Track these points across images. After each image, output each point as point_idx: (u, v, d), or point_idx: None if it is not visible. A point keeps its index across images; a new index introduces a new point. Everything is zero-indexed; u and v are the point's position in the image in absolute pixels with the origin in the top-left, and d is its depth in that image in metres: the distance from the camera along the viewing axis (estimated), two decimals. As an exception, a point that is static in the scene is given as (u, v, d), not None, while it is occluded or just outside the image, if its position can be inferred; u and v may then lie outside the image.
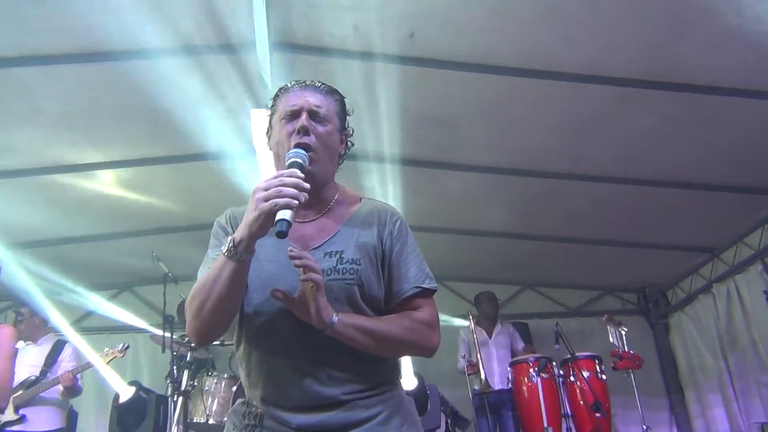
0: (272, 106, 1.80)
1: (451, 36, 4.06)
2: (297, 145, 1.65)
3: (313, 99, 1.72)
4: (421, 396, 5.64)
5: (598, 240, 6.88)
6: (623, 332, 5.72)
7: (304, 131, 1.67)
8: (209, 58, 4.21)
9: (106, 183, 5.39)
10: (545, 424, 4.78)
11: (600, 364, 5.47)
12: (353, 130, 1.88)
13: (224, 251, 1.51)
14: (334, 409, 1.60)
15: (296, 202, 1.46)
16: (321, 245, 1.66)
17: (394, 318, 1.68)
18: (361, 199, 1.85)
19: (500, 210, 6.25)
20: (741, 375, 6.87)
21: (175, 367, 5.10)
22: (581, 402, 5.16)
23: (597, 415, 4.92)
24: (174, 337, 5.39)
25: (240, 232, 1.50)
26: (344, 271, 1.64)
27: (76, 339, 5.62)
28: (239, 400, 1.79)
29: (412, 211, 5.32)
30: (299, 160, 1.60)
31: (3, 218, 5.34)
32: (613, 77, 4.39)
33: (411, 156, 5.23)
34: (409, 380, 5.67)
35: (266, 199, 1.46)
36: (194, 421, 5.04)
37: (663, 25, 3.94)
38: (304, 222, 1.72)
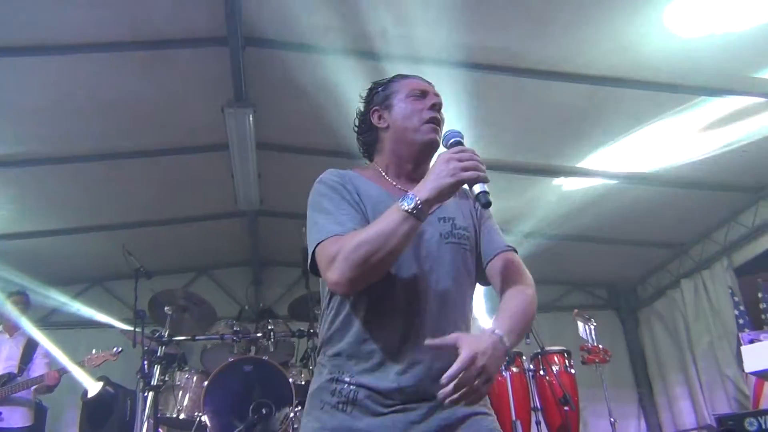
0: (380, 89, 1.90)
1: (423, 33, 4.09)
2: (432, 119, 1.78)
3: (433, 88, 1.89)
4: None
5: (569, 236, 6.97)
6: (592, 327, 5.80)
7: (438, 108, 1.83)
8: (181, 52, 4.18)
9: (77, 177, 5.32)
10: (513, 418, 4.84)
11: (569, 358, 5.53)
12: None
13: (407, 208, 1.50)
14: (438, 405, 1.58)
15: (487, 177, 1.55)
16: (434, 211, 1.69)
17: (521, 305, 1.67)
18: None
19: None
20: (706, 368, 7.03)
21: (146, 362, 5.08)
22: (550, 395, 5.23)
23: (565, 408, 4.98)
24: (145, 332, 5.37)
25: (426, 193, 1.51)
26: (459, 236, 1.76)
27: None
28: (327, 377, 1.67)
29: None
30: (461, 140, 1.67)
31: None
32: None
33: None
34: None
35: (466, 170, 1.52)
36: (165, 416, 5.02)
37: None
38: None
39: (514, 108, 4.79)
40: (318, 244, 1.60)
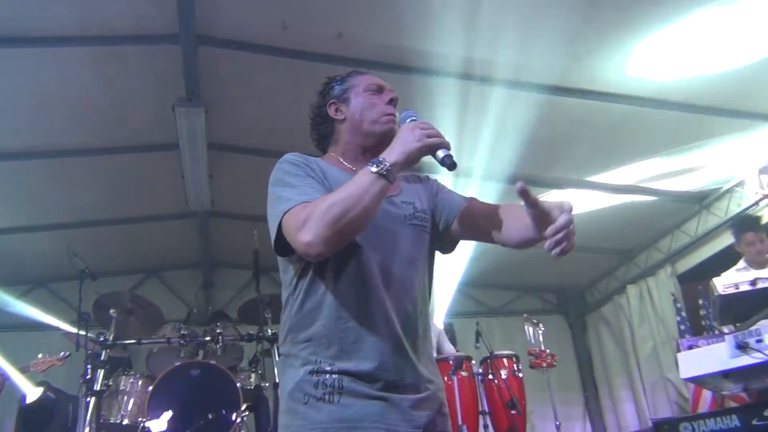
0: (338, 84, 1.94)
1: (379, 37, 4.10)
2: (390, 113, 1.85)
3: (387, 85, 1.95)
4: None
5: (520, 242, 7.06)
6: (540, 331, 5.91)
7: (395, 104, 1.89)
8: (132, 49, 4.09)
9: (20, 174, 5.14)
10: (459, 422, 4.88)
11: (517, 363, 5.61)
12: None
13: (374, 170, 1.54)
14: (423, 392, 1.67)
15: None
16: (397, 194, 1.81)
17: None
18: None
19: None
20: (649, 372, 7.24)
21: (89, 367, 4.93)
22: (498, 399, 5.29)
23: (513, 412, 5.05)
24: (89, 335, 5.22)
25: (394, 157, 1.58)
26: (420, 218, 1.82)
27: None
28: (306, 369, 1.62)
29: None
30: (416, 117, 1.75)
31: None
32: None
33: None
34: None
35: (430, 136, 1.60)
36: (108, 421, 4.89)
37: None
38: None
39: (463, 117, 4.83)
40: (285, 212, 1.59)
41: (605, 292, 8.33)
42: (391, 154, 1.59)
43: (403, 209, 1.79)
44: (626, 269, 7.82)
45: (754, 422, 2.68)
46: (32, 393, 5.24)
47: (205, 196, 5.36)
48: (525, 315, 6.17)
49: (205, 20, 3.98)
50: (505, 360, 5.50)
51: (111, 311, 5.17)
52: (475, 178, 5.59)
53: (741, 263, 4.44)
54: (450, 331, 7.05)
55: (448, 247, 1.95)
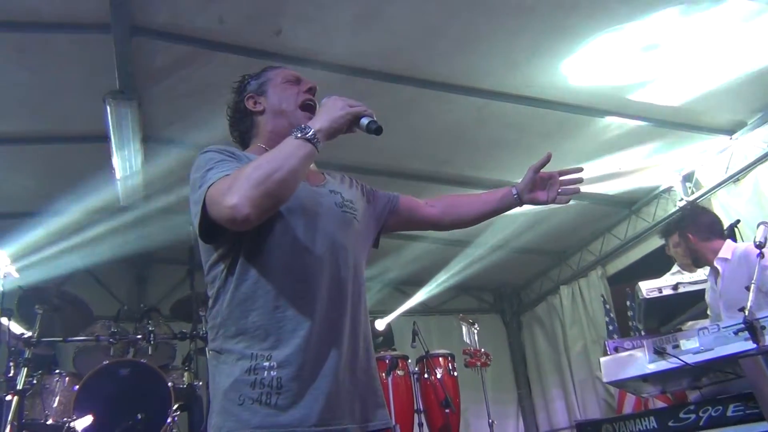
0: (255, 78, 1.98)
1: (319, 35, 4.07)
2: (307, 101, 1.90)
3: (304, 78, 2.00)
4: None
5: (458, 241, 7.17)
6: (475, 330, 6.01)
7: (314, 91, 1.94)
8: (60, 37, 3.93)
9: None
10: (393, 422, 4.93)
11: (452, 362, 5.70)
12: None
13: (298, 135, 1.57)
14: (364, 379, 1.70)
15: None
16: (323, 184, 1.86)
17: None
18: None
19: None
20: (579, 371, 7.47)
21: (11, 364, 4.74)
22: (433, 398, 5.36)
23: (447, 410, 5.13)
24: (12, 331, 5.02)
25: (319, 124, 1.61)
26: (348, 207, 1.84)
27: None
28: (242, 366, 1.55)
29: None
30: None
31: None
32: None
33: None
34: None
35: (353, 106, 1.66)
36: (32, 421, 4.71)
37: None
38: None
39: (406, 116, 4.87)
40: (210, 186, 1.54)
41: (539, 292, 8.55)
42: (316, 122, 1.62)
43: (331, 197, 1.82)
44: (559, 270, 8.04)
45: (670, 423, 2.80)
46: None
47: (137, 191, 5.21)
48: (461, 315, 6.27)
49: (141, 10, 3.86)
50: (440, 359, 5.59)
51: (36, 307, 4.97)
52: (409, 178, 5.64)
53: (675, 267, 4.62)
54: (388, 331, 7.11)
55: (377, 241, 2.05)
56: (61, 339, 5.02)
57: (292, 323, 1.57)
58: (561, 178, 2.10)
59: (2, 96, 4.32)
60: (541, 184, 2.10)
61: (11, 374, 4.64)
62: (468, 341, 5.96)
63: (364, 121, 1.67)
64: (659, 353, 2.70)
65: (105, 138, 4.53)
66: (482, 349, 5.84)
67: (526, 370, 8.73)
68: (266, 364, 1.53)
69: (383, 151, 5.31)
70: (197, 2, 3.85)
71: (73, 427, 4.54)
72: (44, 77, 4.24)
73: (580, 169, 2.12)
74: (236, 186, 1.46)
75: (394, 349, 6.69)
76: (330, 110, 1.65)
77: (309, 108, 1.88)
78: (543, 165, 2.07)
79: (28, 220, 5.81)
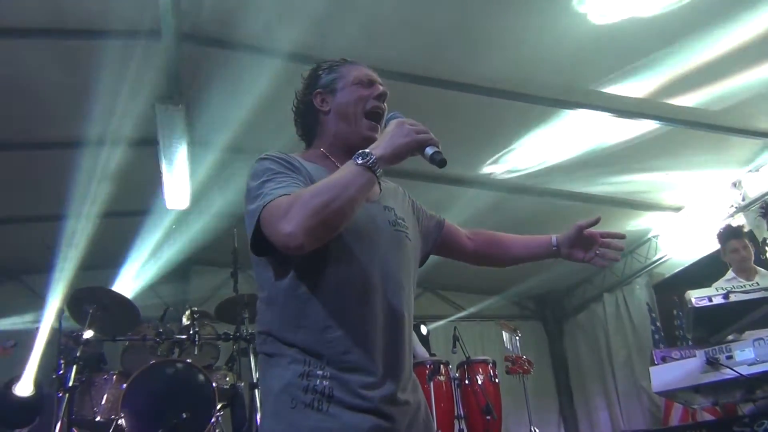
0: (325, 72, 1.86)
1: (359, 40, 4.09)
2: (375, 109, 1.79)
3: (378, 78, 1.87)
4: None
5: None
6: (517, 337, 5.94)
7: (384, 99, 1.82)
8: (112, 44, 4.05)
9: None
10: (435, 427, 4.90)
11: (494, 368, 5.64)
12: None
13: (359, 161, 1.50)
14: (409, 388, 1.67)
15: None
16: (377, 200, 1.76)
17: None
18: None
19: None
20: (623, 380, 7.31)
21: (62, 362, 4.88)
22: (474, 404, 5.31)
23: (488, 417, 5.07)
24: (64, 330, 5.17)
25: (382, 150, 1.54)
26: (401, 225, 1.78)
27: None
28: (295, 370, 1.54)
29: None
30: (403, 117, 1.71)
31: None
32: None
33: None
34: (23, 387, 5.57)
35: (419, 132, 1.58)
36: (80, 417, 4.83)
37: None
38: None
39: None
40: (265, 205, 1.48)
41: (582, 299, 8.41)
42: (377, 148, 1.55)
43: (385, 215, 1.74)
44: (603, 277, 7.90)
45: (722, 437, 2.72)
46: (24, 386, 5.11)
47: (182, 194, 5.32)
48: (502, 321, 6.20)
49: (189, 18, 3.95)
50: (482, 365, 5.52)
51: (86, 307, 5.11)
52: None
53: (729, 273, 4.50)
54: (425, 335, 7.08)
55: (423, 261, 1.99)
56: (110, 338, 5.13)
57: (342, 345, 1.54)
58: (603, 239, 2.02)
59: (55, 102, 4.46)
60: (583, 243, 2.04)
61: (62, 372, 4.78)
62: (509, 348, 5.89)
63: (429, 151, 1.59)
64: (712, 363, 2.62)
65: (153, 142, 4.65)
66: (524, 356, 5.76)
67: (568, 378, 8.59)
68: (320, 372, 1.52)
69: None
70: (243, 10, 3.91)
71: (121, 425, 4.64)
72: (95, 83, 4.36)
73: (623, 236, 2.05)
74: (293, 212, 1.43)
75: (434, 354, 6.66)
76: (394, 136, 1.57)
77: (375, 116, 1.79)
78: (590, 225, 2.02)
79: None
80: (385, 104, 1.82)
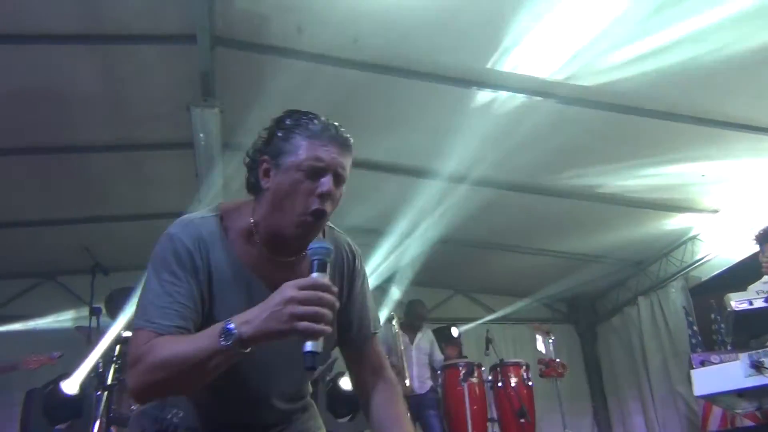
0: (279, 136, 1.55)
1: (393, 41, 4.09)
2: (316, 211, 1.50)
3: (340, 157, 1.53)
4: (353, 398, 5.72)
5: (531, 249, 7.05)
6: (551, 341, 5.89)
7: (327, 198, 1.51)
8: (147, 48, 4.11)
9: (34, 168, 5.17)
10: (469, 429, 4.87)
11: (527, 371, 5.61)
12: None
13: (224, 342, 1.31)
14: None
15: (330, 330, 1.32)
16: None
17: (399, 413, 1.76)
18: (324, 229, 1.70)
19: (439, 219, 6.31)
20: (659, 385, 7.18)
21: (101, 361, 4.97)
22: (508, 407, 5.28)
23: (521, 420, 5.04)
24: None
25: (251, 330, 1.31)
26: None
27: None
28: (151, 404, 1.68)
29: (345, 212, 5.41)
30: (328, 261, 1.40)
31: None
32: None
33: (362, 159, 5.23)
34: (345, 382, 5.73)
35: (302, 318, 1.29)
36: (119, 415, 4.91)
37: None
38: (279, 265, 1.59)
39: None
40: (137, 329, 1.45)
41: (616, 302, 8.28)
42: (249, 324, 1.32)
43: None
44: (638, 280, 7.77)
45: (765, 442, 2.64)
46: (71, 384, 5.22)
47: (217, 196, 5.37)
48: (535, 324, 6.16)
49: (222, 22, 3.99)
50: (515, 368, 5.50)
51: (124, 306, 5.21)
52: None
53: (766, 277, 4.38)
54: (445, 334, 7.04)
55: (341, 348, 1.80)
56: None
57: (216, 400, 1.62)
58: None
59: (91, 106, 4.53)
60: None
61: (101, 370, 4.87)
62: (543, 351, 5.84)
63: (307, 346, 1.31)
64: (757, 367, 2.56)
65: (188, 145, 4.71)
66: (558, 359, 5.71)
67: (602, 382, 8.47)
68: (174, 410, 1.66)
69: (457, 158, 5.27)
70: (275, 13, 3.94)
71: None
72: (132, 87, 4.44)
73: None
74: (137, 371, 1.39)
75: (465, 357, 6.63)
76: (272, 314, 1.31)
77: (315, 216, 1.51)
78: None
79: (115, 224, 6.11)
80: (339, 190, 1.55)
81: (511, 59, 4.20)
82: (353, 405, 5.78)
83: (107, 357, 4.93)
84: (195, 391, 1.53)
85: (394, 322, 6.08)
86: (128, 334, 5.08)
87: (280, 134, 1.54)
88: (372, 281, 6.51)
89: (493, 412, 5.32)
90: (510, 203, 5.98)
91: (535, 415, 5.48)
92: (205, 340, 1.35)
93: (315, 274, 1.37)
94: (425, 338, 6.46)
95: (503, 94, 4.56)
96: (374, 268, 6.49)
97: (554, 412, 6.17)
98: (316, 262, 1.38)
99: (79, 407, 5.32)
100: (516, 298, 8.46)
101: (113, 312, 5.38)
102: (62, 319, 6.71)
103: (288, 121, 1.56)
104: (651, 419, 7.30)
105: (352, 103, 4.49)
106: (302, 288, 1.31)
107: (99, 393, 4.78)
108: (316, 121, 1.55)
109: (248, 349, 1.33)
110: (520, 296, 8.50)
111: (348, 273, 1.71)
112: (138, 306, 1.50)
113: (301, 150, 1.50)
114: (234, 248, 1.57)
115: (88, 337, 5.36)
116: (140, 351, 1.40)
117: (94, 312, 5.40)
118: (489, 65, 4.26)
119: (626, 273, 7.83)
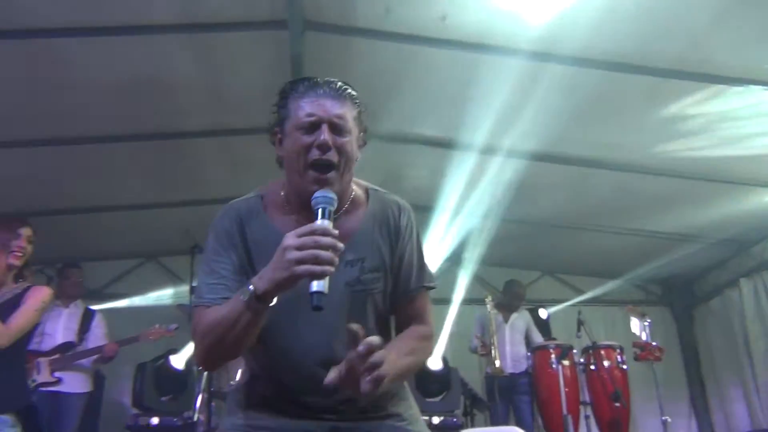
0: (280, 105, 1.66)
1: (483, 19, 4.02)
2: (317, 162, 1.56)
3: (333, 109, 1.59)
4: (444, 377, 5.79)
5: (623, 229, 6.81)
6: (647, 323, 5.69)
7: (326, 148, 1.56)
8: (238, 35, 4.23)
9: (140, 154, 5.44)
10: (564, 412, 4.80)
11: (622, 354, 5.46)
12: (367, 129, 1.76)
13: (244, 298, 1.43)
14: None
15: (332, 269, 1.36)
16: (342, 253, 1.45)
17: (411, 345, 1.68)
18: (368, 191, 1.77)
19: (526, 198, 6.20)
20: (764, 372, 6.80)
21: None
22: (601, 390, 5.17)
23: (616, 404, 4.92)
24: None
25: (264, 285, 1.41)
26: (367, 281, 1.65)
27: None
28: (242, 380, 1.81)
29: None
30: (330, 207, 1.48)
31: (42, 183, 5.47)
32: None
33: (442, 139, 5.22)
34: (434, 362, 5.79)
35: (300, 262, 1.35)
36: (221, 390, 5.15)
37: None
38: None
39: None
40: (194, 306, 1.65)
41: (716, 284, 7.89)
42: (261, 280, 1.42)
43: (345, 274, 1.60)
44: (739, 261, 7.36)
45: None
46: (179, 359, 5.52)
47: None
48: (629, 306, 5.98)
49: (312, 6, 4.05)
50: (608, 351, 5.37)
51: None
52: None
53: None
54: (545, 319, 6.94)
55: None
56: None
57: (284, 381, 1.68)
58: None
59: (189, 94, 4.71)
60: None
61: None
62: (638, 334, 5.66)
63: (311, 287, 1.35)
64: None
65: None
66: (654, 343, 5.52)
67: (699, 367, 8.11)
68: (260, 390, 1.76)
69: (549, 137, 5.15)
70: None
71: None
72: (226, 74, 4.59)
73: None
74: (195, 342, 1.60)
75: (554, 339, 6.53)
76: (276, 265, 1.40)
77: (321, 168, 1.56)
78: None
79: (216, 205, 6.34)
80: (343, 139, 1.59)
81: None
82: (443, 384, 5.83)
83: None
84: (242, 353, 1.61)
85: (488, 301, 6.07)
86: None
87: (280, 104, 1.66)
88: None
89: (585, 395, 5.22)
90: (601, 182, 5.80)
91: (629, 399, 5.34)
92: (234, 301, 1.47)
93: (318, 221, 1.43)
94: (521, 318, 6.41)
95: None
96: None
97: (649, 398, 5.98)
98: (318, 210, 1.46)
99: (184, 381, 5.63)
100: (607, 279, 8.21)
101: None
102: (163, 297, 7.09)
103: (284, 91, 1.67)
104: (754, 407, 6.95)
105: (440, 84, 4.47)
106: (300, 235, 1.38)
107: (200, 368, 5.05)
108: (306, 83, 1.65)
109: (269, 304, 1.43)
110: (612, 277, 8.23)
111: (394, 229, 1.73)
112: (196, 288, 1.70)
113: (294, 110, 1.60)
114: (272, 220, 1.67)
115: (189, 314, 5.63)
116: (194, 324, 1.59)
117: (193, 290, 5.65)
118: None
119: (726, 253, 7.42)
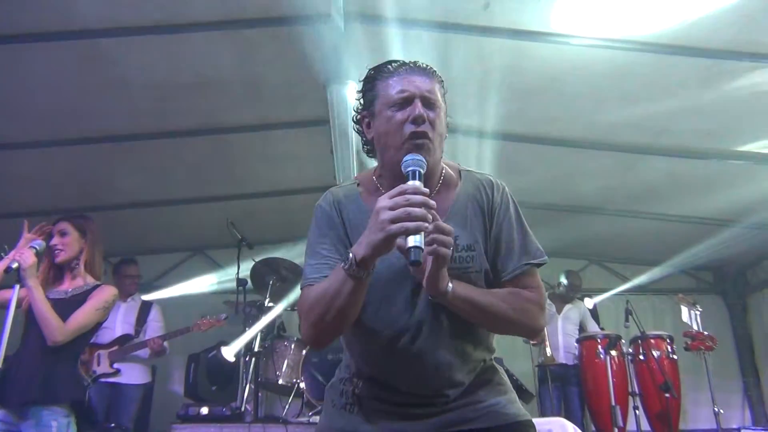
0: (366, 89, 1.72)
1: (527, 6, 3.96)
2: (414, 135, 1.58)
3: (423, 84, 1.63)
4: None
5: (672, 216, 6.64)
6: (698, 312, 5.56)
7: (421, 121, 1.59)
8: (285, 30, 4.25)
9: (184, 150, 5.55)
10: (612, 402, 4.73)
11: (671, 344, 5.35)
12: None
13: (345, 267, 1.48)
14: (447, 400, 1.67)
15: (427, 225, 1.39)
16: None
17: (506, 295, 1.65)
18: (460, 172, 1.79)
19: (575, 184, 6.10)
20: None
21: (248, 329, 5.33)
22: (650, 381, 5.07)
23: (666, 395, 4.83)
24: (246, 299, 5.65)
25: (362, 250, 1.45)
26: (461, 259, 1.64)
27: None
28: (338, 376, 1.82)
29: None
30: (420, 169, 1.52)
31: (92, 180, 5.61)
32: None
33: (504, 130, 5.18)
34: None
35: (394, 221, 1.39)
36: (267, 380, 5.24)
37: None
38: None
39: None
40: (303, 287, 1.67)
41: (770, 272, 7.64)
42: (359, 246, 1.47)
43: None
44: (796, 249, 7.10)
45: None
46: (229, 351, 5.66)
47: (352, 170, 5.51)
48: (680, 295, 5.83)
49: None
50: (657, 340, 5.27)
51: (267, 278, 5.52)
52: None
53: None
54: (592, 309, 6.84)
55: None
56: (289, 308, 5.51)
57: (382, 363, 1.70)
58: None
59: (234, 89, 4.77)
60: None
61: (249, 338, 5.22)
62: (689, 323, 5.53)
63: (408, 242, 1.39)
64: None
65: (325, 122, 4.87)
66: (706, 332, 5.38)
67: (754, 357, 7.88)
68: (356, 380, 1.75)
69: (595, 124, 5.05)
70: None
71: (302, 388, 4.99)
72: (269, 69, 4.62)
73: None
74: (302, 321, 1.64)
75: (602, 328, 6.43)
76: (371, 228, 1.44)
77: (417, 145, 1.58)
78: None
79: (256, 200, 6.45)
80: (433, 115, 1.62)
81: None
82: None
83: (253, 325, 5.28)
84: (349, 325, 1.62)
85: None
86: (270, 304, 5.42)
87: (366, 87, 1.71)
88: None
89: (635, 386, 5.13)
90: (653, 168, 5.66)
91: (680, 390, 5.23)
92: (336, 272, 1.53)
93: (409, 182, 1.48)
94: (575, 309, 6.32)
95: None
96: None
97: (701, 388, 5.85)
98: (409, 173, 1.51)
99: (234, 372, 5.74)
100: (651, 267, 8.01)
101: (258, 283, 5.73)
102: (211, 288, 7.23)
103: (368, 76, 1.72)
104: (812, 398, 6.74)
105: (485, 73, 4.42)
106: (392, 196, 1.43)
107: (247, 359, 5.15)
108: (393, 63, 1.69)
109: (369, 269, 1.48)
110: (656, 265, 8.03)
111: (487, 207, 1.72)
112: (304, 268, 1.71)
113: (383, 89, 1.65)
114: (367, 202, 1.70)
115: (236, 307, 5.75)
116: (300, 303, 1.65)
117: (240, 283, 5.76)
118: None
119: (782, 240, 7.17)
